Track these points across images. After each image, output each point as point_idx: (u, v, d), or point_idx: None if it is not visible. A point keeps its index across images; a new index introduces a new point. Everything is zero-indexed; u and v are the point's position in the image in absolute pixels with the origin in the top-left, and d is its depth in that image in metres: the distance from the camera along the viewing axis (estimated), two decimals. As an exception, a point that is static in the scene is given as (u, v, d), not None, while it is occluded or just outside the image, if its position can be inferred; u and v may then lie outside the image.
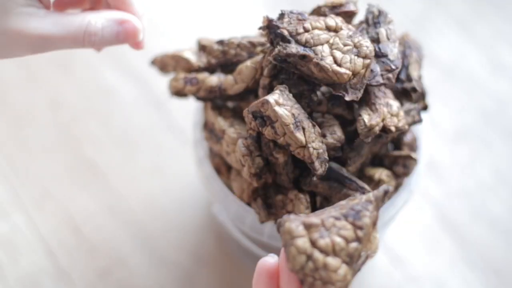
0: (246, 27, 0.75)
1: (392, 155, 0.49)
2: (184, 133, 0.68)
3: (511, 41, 0.73)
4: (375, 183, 0.47)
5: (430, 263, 0.61)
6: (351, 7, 0.46)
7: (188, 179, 0.64)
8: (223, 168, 0.50)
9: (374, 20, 0.46)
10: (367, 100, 0.44)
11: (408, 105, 0.47)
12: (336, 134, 0.44)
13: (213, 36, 0.74)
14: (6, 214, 0.63)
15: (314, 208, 0.46)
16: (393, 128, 0.43)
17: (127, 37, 0.45)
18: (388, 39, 0.45)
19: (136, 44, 0.47)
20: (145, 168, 0.65)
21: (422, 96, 0.49)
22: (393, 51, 0.45)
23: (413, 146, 0.50)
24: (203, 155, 0.52)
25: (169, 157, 0.66)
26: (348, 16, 0.47)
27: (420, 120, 0.48)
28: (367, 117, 0.43)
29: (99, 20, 0.43)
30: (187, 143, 0.67)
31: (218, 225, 0.57)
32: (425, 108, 0.49)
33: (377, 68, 0.44)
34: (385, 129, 0.43)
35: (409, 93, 0.47)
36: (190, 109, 0.69)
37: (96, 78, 0.71)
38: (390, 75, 0.44)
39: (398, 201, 0.49)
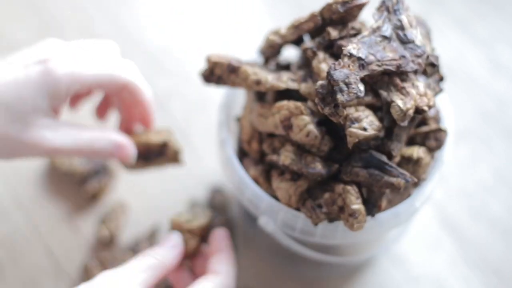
0: (245, 26, 0.75)
1: (422, 131, 0.49)
2: (184, 133, 0.68)
3: (511, 41, 0.73)
4: (414, 162, 0.48)
5: (430, 263, 0.61)
6: (363, 0, 0.46)
7: (187, 179, 0.64)
8: (261, 179, 0.50)
9: (394, 7, 0.46)
10: (395, 84, 0.44)
11: (425, 80, 0.48)
12: (375, 124, 0.45)
13: (211, 34, 0.74)
14: (6, 214, 0.63)
15: (363, 198, 0.46)
16: (426, 108, 0.44)
17: (120, 158, 0.51)
18: (411, 25, 0.45)
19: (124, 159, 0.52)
20: (145, 168, 0.65)
21: (437, 68, 0.49)
22: (417, 37, 0.45)
23: (437, 119, 0.51)
24: (226, 136, 0.52)
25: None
26: (359, 8, 0.47)
27: (441, 90, 0.48)
28: (401, 102, 0.43)
29: (102, 141, 0.49)
30: (187, 143, 0.67)
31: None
32: (441, 79, 0.49)
33: (407, 54, 0.45)
34: (418, 110, 0.44)
35: (423, 69, 0.47)
36: (190, 109, 0.70)
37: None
38: (420, 60, 0.45)
39: (435, 175, 0.50)
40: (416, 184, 0.49)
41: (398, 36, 0.45)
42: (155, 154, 0.54)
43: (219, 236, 0.51)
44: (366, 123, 0.44)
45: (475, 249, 0.61)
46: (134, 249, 0.60)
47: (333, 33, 0.47)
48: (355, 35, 0.47)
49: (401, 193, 0.49)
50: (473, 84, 0.71)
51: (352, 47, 0.43)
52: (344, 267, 0.59)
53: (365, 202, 0.47)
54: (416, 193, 0.49)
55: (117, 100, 0.54)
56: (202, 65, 0.58)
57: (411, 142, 0.50)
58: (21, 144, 0.47)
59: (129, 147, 0.51)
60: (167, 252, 0.49)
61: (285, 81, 0.48)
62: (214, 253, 0.50)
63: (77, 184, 0.64)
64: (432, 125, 0.50)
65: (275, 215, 0.48)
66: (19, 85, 0.46)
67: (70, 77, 0.47)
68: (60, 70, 0.47)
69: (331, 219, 0.47)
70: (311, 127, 0.45)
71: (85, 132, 0.49)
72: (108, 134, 0.50)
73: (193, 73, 0.69)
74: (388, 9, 0.46)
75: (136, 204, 0.63)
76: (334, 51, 0.47)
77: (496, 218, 0.63)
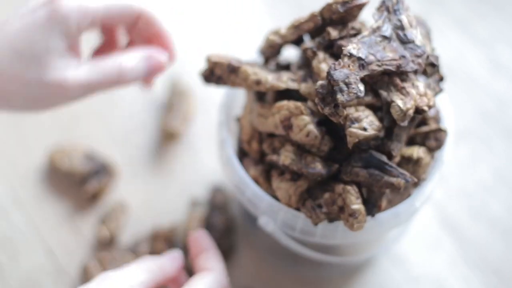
0: (245, 26, 0.75)
1: (422, 131, 0.49)
2: (184, 133, 0.68)
3: (511, 41, 0.73)
4: (414, 162, 0.48)
5: (430, 263, 0.61)
6: (363, 0, 0.46)
7: (188, 179, 0.64)
8: (261, 179, 0.50)
9: (394, 7, 0.46)
10: (395, 84, 0.45)
11: (425, 80, 0.48)
12: (375, 124, 0.45)
13: (211, 34, 0.74)
14: (6, 214, 0.63)
15: (363, 198, 0.46)
16: (426, 108, 0.44)
17: (155, 70, 0.48)
18: (411, 25, 0.46)
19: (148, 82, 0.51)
20: (144, 168, 0.65)
21: (437, 68, 0.49)
22: (417, 37, 0.45)
23: (437, 119, 0.51)
24: (226, 136, 0.52)
25: (169, 157, 0.66)
26: (359, 8, 0.47)
27: (441, 90, 0.48)
28: (401, 102, 0.43)
29: (129, 60, 0.47)
30: (187, 143, 0.67)
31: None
32: (441, 79, 0.49)
33: (407, 54, 0.45)
34: (418, 110, 0.44)
35: (423, 69, 0.47)
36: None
37: (96, 78, 0.71)
38: (419, 60, 0.45)
39: (435, 175, 0.50)
40: (416, 184, 0.49)
41: (398, 36, 0.45)
42: None
43: (200, 237, 0.51)
44: (366, 123, 0.44)
45: (475, 249, 0.61)
46: (134, 250, 0.60)
47: (333, 33, 0.47)
48: (355, 35, 0.47)
49: (401, 193, 0.49)
50: (473, 84, 0.71)
51: (352, 47, 0.43)
52: (344, 267, 0.59)
53: (365, 202, 0.47)
54: (416, 193, 0.49)
55: (134, 36, 0.51)
56: (202, 65, 0.58)
57: (411, 142, 0.50)
58: (44, 88, 0.45)
59: (160, 53, 0.49)
60: (167, 261, 0.49)
61: (285, 81, 0.48)
62: (200, 253, 0.50)
63: (77, 184, 0.64)
64: (432, 125, 0.50)
65: (275, 215, 0.48)
66: (28, 30, 0.45)
67: (78, 11, 0.45)
68: (66, 6, 0.45)
69: (331, 219, 0.47)
70: (311, 127, 0.45)
71: (109, 58, 0.47)
72: (133, 51, 0.48)
73: (193, 73, 0.69)
74: (388, 9, 0.46)
75: (136, 204, 0.63)
76: (334, 51, 0.47)
77: (496, 218, 0.63)
